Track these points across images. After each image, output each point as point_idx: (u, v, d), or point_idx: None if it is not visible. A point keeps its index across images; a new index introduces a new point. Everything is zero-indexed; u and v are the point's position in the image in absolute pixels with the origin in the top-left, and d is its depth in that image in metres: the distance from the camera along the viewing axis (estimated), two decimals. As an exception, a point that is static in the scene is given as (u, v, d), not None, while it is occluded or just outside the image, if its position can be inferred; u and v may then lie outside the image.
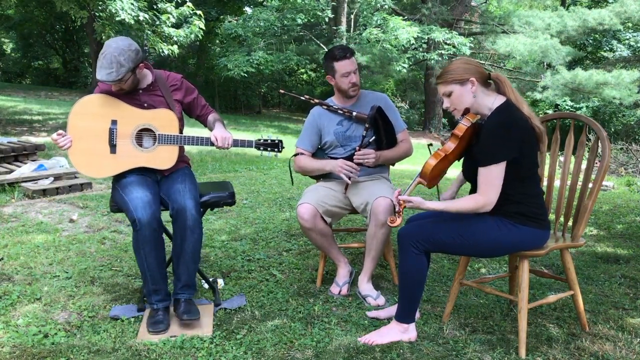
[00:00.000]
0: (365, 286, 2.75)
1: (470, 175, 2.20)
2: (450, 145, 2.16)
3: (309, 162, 2.87)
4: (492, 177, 2.05)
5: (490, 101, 2.13)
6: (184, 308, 2.41)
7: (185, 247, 2.42)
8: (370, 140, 2.79)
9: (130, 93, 2.52)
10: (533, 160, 2.13)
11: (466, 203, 2.10)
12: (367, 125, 2.74)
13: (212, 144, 2.53)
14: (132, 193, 2.39)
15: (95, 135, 2.47)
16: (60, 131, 2.44)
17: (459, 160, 2.28)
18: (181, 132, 2.58)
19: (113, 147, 2.49)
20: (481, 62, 17.76)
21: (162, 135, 2.51)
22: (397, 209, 2.17)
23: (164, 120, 2.52)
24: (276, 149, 2.66)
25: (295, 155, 2.91)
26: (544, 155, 2.34)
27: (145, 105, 2.54)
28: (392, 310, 2.42)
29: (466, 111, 2.15)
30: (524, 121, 2.07)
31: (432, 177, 2.18)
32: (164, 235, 2.51)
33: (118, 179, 2.52)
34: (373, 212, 2.61)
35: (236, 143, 2.58)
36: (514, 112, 2.07)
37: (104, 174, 2.51)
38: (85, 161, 2.48)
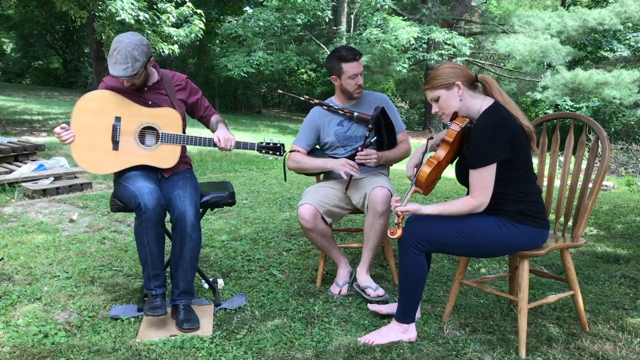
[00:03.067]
0: (364, 277, 2.74)
1: (463, 179, 2.21)
2: (442, 153, 2.17)
3: (308, 160, 2.86)
4: (483, 179, 2.06)
5: (479, 103, 2.14)
6: (183, 316, 2.40)
7: (185, 253, 2.43)
8: (372, 141, 2.79)
9: (135, 90, 2.53)
10: (526, 159, 2.13)
11: (460, 206, 2.12)
12: (370, 126, 2.74)
13: (215, 145, 2.54)
14: (136, 183, 2.41)
15: (99, 131, 2.48)
16: (63, 125, 2.44)
17: (451, 164, 2.29)
18: (184, 132, 2.59)
19: (116, 144, 2.49)
20: (481, 62, 17.77)
21: (165, 134, 2.51)
22: (396, 221, 2.17)
23: (167, 119, 2.53)
24: (277, 153, 2.67)
25: (291, 152, 2.90)
26: (539, 154, 2.34)
27: (150, 103, 2.55)
28: (394, 307, 2.42)
29: (455, 115, 2.17)
30: (512, 120, 2.08)
31: (427, 185, 2.19)
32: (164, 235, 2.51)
33: (120, 173, 2.53)
34: (370, 202, 2.60)
35: (238, 145, 2.58)
36: (501, 112, 2.08)
37: (105, 170, 2.51)
38: (87, 157, 2.48)
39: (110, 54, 2.35)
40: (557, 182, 5.07)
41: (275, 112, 24.46)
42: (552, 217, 3.49)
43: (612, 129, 17.16)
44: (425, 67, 18.23)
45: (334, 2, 16.13)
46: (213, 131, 2.67)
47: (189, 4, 11.01)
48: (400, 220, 2.17)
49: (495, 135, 2.03)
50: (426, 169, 2.15)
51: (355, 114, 2.80)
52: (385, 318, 2.50)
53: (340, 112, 2.84)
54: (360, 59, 2.77)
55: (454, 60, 15.64)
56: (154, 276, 2.42)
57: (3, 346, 2.21)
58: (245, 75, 16.11)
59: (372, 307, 2.56)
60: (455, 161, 2.29)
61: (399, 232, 2.15)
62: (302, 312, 2.57)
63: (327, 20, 16.22)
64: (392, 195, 2.64)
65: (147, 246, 2.38)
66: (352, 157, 2.76)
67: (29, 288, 2.79)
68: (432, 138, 2.35)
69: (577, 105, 16.91)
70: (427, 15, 16.19)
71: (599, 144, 2.31)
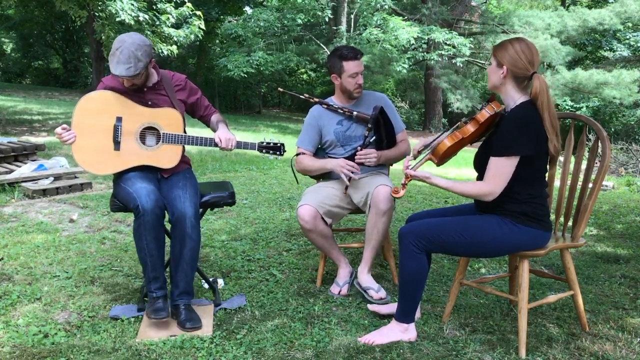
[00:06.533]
0: (366, 277, 2.73)
1: (480, 165, 2.20)
2: (469, 129, 2.16)
3: (311, 162, 2.87)
4: (502, 168, 2.05)
5: (517, 97, 2.13)
6: (185, 316, 2.40)
7: (184, 253, 2.43)
8: (371, 141, 2.79)
9: (135, 91, 2.53)
10: (543, 165, 2.14)
11: (470, 188, 2.12)
12: (369, 126, 2.74)
13: (216, 145, 2.54)
14: (135, 184, 2.40)
15: (100, 132, 2.47)
16: (64, 125, 2.43)
17: (470, 144, 2.28)
18: (184, 132, 2.59)
19: (117, 144, 2.49)
20: (481, 62, 17.77)
21: (166, 134, 2.51)
22: (402, 181, 2.19)
23: (168, 119, 2.53)
24: (278, 152, 2.67)
25: (297, 155, 2.91)
26: (553, 169, 2.34)
27: (150, 103, 2.55)
28: (394, 307, 2.42)
29: (492, 98, 2.17)
30: (541, 125, 2.06)
31: (443, 156, 2.20)
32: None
33: (120, 174, 2.53)
34: (373, 201, 2.60)
35: (239, 145, 2.58)
36: (534, 111, 2.07)
37: (107, 170, 2.51)
38: (89, 157, 2.48)
39: (113, 52, 2.34)
40: (557, 182, 5.08)
41: (275, 112, 24.46)
42: (552, 217, 3.49)
43: (612, 129, 17.15)
44: (425, 67, 18.22)
45: (334, 2, 16.13)
46: (214, 130, 2.68)
47: (189, 4, 11.02)
48: (406, 182, 2.19)
49: (527, 129, 2.03)
50: (447, 142, 2.16)
51: (355, 113, 2.80)
52: (385, 318, 2.50)
53: (339, 111, 2.84)
54: (361, 58, 2.78)
55: (454, 60, 15.63)
56: (154, 278, 2.42)
57: (3, 346, 2.21)
58: (245, 75, 16.12)
59: (372, 307, 2.56)
60: (478, 149, 2.28)
61: (401, 192, 2.19)
62: (302, 312, 2.57)
63: (327, 20, 16.23)
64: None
65: (147, 248, 2.38)
66: (351, 157, 2.76)
67: (29, 288, 2.79)
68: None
69: (577, 105, 16.91)
70: (427, 15, 16.19)
71: (599, 144, 2.31)
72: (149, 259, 2.40)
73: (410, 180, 2.18)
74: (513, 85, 2.13)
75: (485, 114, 2.14)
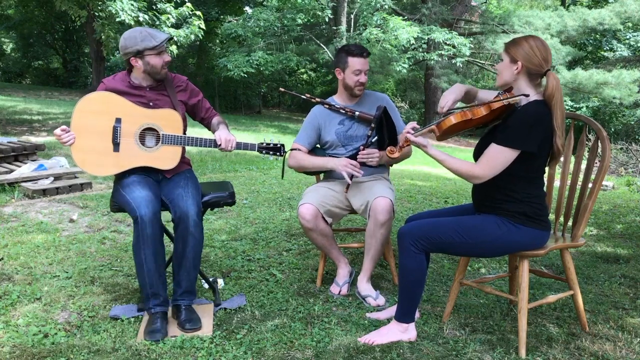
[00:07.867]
0: (365, 286, 2.74)
1: (480, 153, 2.18)
2: (481, 111, 2.13)
3: (309, 158, 2.85)
4: (499, 157, 2.05)
5: (530, 93, 2.12)
6: (185, 316, 2.40)
7: (187, 251, 2.42)
8: (373, 140, 2.79)
9: (137, 89, 2.53)
10: (543, 164, 2.14)
11: (462, 165, 2.12)
12: (372, 125, 2.74)
13: (216, 145, 2.54)
14: (133, 192, 2.40)
15: (99, 133, 2.47)
16: (63, 127, 2.43)
17: (476, 128, 2.27)
18: (184, 133, 2.59)
19: (116, 146, 2.48)
20: (481, 62, 17.77)
21: (165, 136, 2.51)
22: (400, 144, 2.21)
23: (168, 120, 2.52)
24: (278, 153, 2.67)
25: (292, 150, 2.90)
26: (553, 168, 2.34)
27: (151, 104, 2.55)
28: (392, 310, 2.42)
29: (509, 90, 2.16)
30: (552, 125, 2.06)
31: (445, 132, 2.18)
32: (164, 236, 2.51)
33: (119, 178, 2.52)
34: (372, 212, 2.61)
35: (239, 146, 2.58)
36: (549, 112, 2.07)
37: (106, 172, 2.50)
38: (88, 159, 2.48)
39: (141, 38, 2.43)
40: (557, 182, 5.08)
41: (275, 112, 24.45)
42: (552, 217, 3.49)
43: (612, 129, 17.15)
44: (425, 67, 18.22)
45: (334, 2, 16.12)
46: (214, 132, 2.68)
47: (189, 4, 11.01)
48: (404, 145, 2.22)
49: (535, 126, 2.02)
50: (453, 119, 2.14)
51: (357, 113, 2.80)
52: (386, 319, 2.50)
53: (341, 111, 2.84)
54: (367, 57, 2.79)
55: (454, 60, 15.63)
56: (153, 295, 2.40)
57: (3, 346, 2.21)
58: (245, 76, 16.11)
59: (371, 315, 2.55)
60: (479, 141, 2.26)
61: (396, 154, 2.24)
62: (302, 312, 2.57)
63: (327, 20, 16.22)
64: (393, 206, 2.64)
65: (145, 263, 2.36)
66: (352, 157, 2.76)
67: (29, 288, 2.79)
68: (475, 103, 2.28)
69: (577, 105, 16.92)
70: (427, 15, 16.18)
71: (599, 143, 2.31)
72: (147, 275, 2.37)
73: (408, 144, 2.20)
74: (526, 81, 2.12)
75: (500, 101, 2.11)
